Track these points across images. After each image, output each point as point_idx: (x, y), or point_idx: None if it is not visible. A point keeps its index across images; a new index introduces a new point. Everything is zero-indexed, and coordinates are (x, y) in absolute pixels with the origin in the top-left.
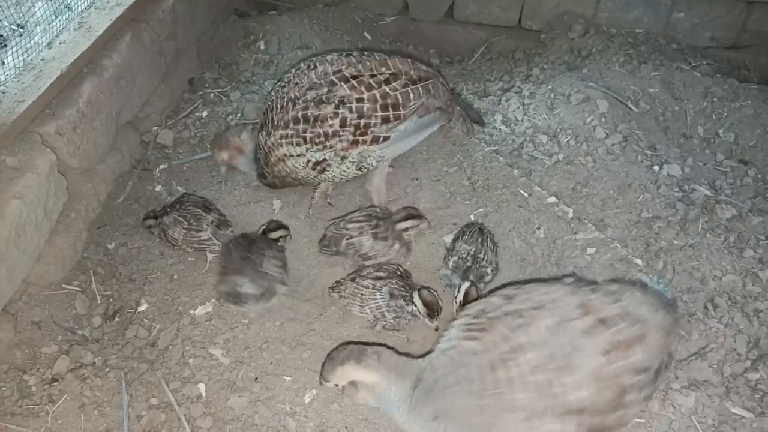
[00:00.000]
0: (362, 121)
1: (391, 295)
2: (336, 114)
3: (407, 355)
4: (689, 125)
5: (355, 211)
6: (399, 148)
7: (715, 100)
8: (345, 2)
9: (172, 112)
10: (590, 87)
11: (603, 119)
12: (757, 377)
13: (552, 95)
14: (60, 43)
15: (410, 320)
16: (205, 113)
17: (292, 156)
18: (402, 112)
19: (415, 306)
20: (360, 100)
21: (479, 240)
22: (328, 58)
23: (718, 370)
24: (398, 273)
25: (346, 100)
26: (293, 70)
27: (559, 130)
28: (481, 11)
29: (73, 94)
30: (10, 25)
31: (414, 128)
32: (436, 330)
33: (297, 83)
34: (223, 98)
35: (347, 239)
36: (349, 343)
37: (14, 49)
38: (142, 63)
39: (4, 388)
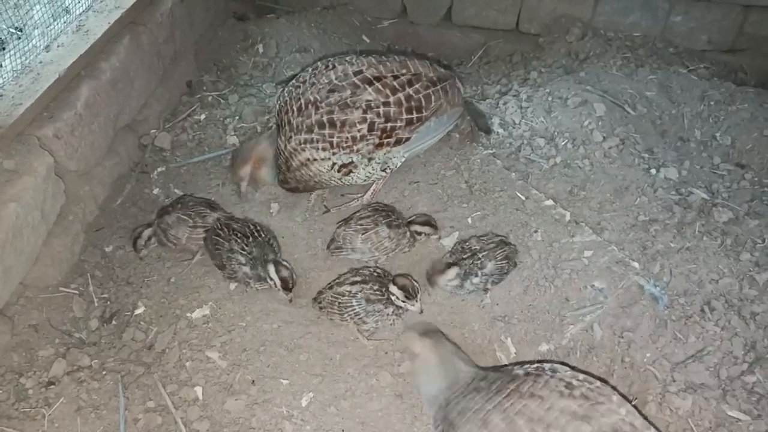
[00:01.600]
0: (389, 125)
1: (368, 300)
2: (364, 119)
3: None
4: (686, 128)
5: (356, 212)
6: (419, 147)
7: (712, 103)
8: (343, 5)
9: (170, 115)
10: (588, 90)
11: (600, 122)
12: (754, 380)
13: (549, 98)
14: (58, 46)
15: (393, 322)
16: (203, 116)
17: (316, 160)
18: (424, 114)
19: (394, 294)
20: (387, 104)
21: (492, 244)
22: (347, 58)
23: (714, 373)
24: (376, 275)
25: (373, 105)
26: (309, 70)
27: (556, 133)
28: (478, 14)
29: (71, 97)
30: (8, 28)
31: (434, 127)
32: (421, 312)
33: (314, 83)
34: (222, 101)
35: (363, 234)
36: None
37: (12, 52)
38: (140, 66)
39: (1, 391)
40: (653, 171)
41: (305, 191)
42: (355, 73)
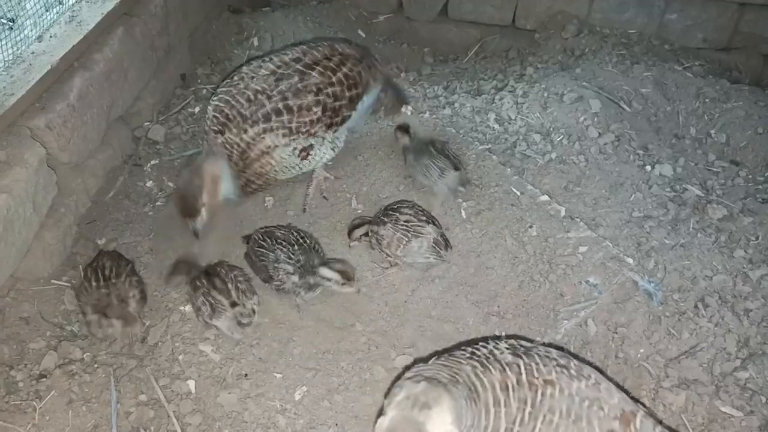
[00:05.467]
0: (337, 104)
1: None
2: (318, 101)
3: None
4: (681, 126)
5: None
6: (354, 124)
7: (707, 100)
8: None
9: (164, 108)
10: (583, 87)
11: (596, 119)
12: (747, 376)
13: (545, 94)
14: (50, 37)
15: None
16: (197, 109)
17: (278, 147)
18: (360, 90)
19: (329, 279)
20: (332, 84)
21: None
22: (274, 54)
23: (708, 369)
24: None
25: (322, 86)
26: (243, 67)
27: (552, 129)
28: (475, 10)
29: (64, 88)
30: (0, 18)
31: (366, 102)
32: (358, 292)
33: (253, 77)
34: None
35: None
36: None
37: (3, 42)
38: (134, 58)
39: None
40: (648, 167)
41: (263, 190)
42: (295, 61)
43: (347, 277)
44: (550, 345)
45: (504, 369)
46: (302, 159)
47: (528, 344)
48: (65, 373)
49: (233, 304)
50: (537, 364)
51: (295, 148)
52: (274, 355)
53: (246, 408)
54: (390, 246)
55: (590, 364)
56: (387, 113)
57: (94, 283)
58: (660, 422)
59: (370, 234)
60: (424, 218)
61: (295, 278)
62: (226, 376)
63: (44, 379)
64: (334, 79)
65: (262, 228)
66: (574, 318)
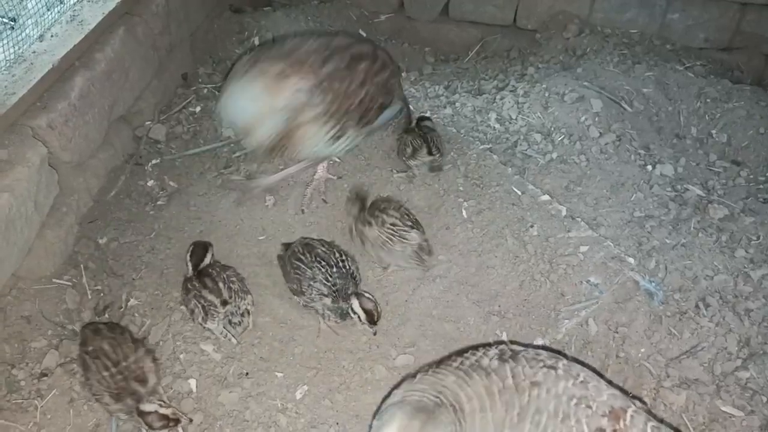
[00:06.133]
0: (370, 104)
1: None
2: (358, 93)
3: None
4: (682, 125)
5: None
6: (368, 133)
7: (708, 100)
8: None
9: (165, 107)
10: (584, 86)
11: (597, 118)
12: (748, 376)
13: (546, 94)
14: (52, 36)
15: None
16: (198, 108)
17: (317, 123)
18: (388, 101)
19: (355, 313)
20: (373, 83)
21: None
22: (311, 38)
23: (709, 369)
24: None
25: (365, 82)
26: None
27: (553, 128)
28: (476, 10)
29: (65, 87)
30: (1, 18)
31: (385, 116)
32: (375, 334)
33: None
34: (217, 94)
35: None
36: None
37: (5, 41)
38: (136, 57)
39: None
40: (649, 167)
41: (279, 156)
42: (343, 48)
43: (371, 320)
44: (549, 347)
45: (489, 375)
46: (328, 146)
47: (518, 348)
48: (67, 372)
49: (224, 303)
50: (523, 366)
51: (327, 132)
52: (275, 354)
53: (247, 407)
54: (374, 247)
55: (585, 364)
56: (395, 131)
57: (105, 373)
58: (661, 421)
59: (354, 232)
60: (410, 223)
61: (328, 301)
62: (227, 375)
63: (46, 378)
64: (376, 80)
65: (303, 238)
66: (575, 317)
